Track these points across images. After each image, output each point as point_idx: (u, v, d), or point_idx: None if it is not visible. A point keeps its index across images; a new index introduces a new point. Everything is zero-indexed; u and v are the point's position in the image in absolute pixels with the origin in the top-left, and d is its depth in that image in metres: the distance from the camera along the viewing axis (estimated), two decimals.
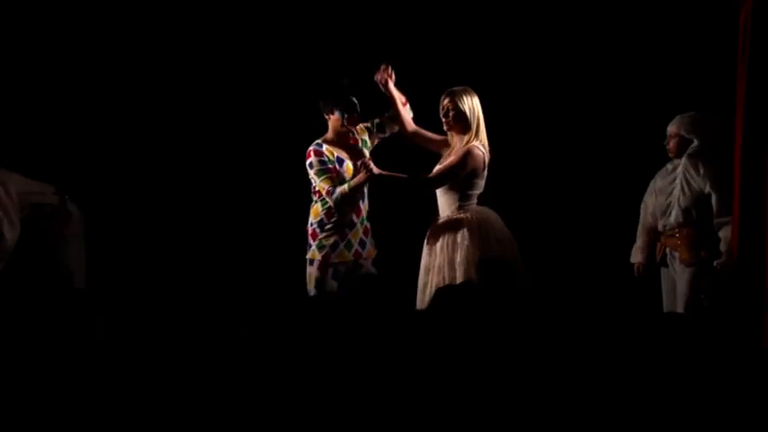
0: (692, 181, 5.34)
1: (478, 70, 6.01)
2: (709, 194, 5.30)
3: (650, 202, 5.54)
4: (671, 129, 5.45)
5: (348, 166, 5.36)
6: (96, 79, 6.35)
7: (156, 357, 3.53)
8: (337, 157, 5.36)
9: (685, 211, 5.33)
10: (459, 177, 5.20)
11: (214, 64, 6.49)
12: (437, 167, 5.31)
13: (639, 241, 5.60)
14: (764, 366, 3.39)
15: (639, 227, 5.60)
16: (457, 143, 5.28)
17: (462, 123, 5.23)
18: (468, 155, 5.19)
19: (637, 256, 5.60)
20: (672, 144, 5.43)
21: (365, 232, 5.45)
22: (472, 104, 5.23)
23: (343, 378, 3.33)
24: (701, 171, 5.32)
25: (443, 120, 5.27)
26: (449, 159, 5.26)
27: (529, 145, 6.42)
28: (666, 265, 5.49)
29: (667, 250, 5.46)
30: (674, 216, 5.37)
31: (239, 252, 6.47)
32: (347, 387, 3.28)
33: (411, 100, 5.50)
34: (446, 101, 5.26)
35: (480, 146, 5.23)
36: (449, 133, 5.34)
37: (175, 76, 6.44)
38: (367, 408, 3.22)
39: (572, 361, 3.41)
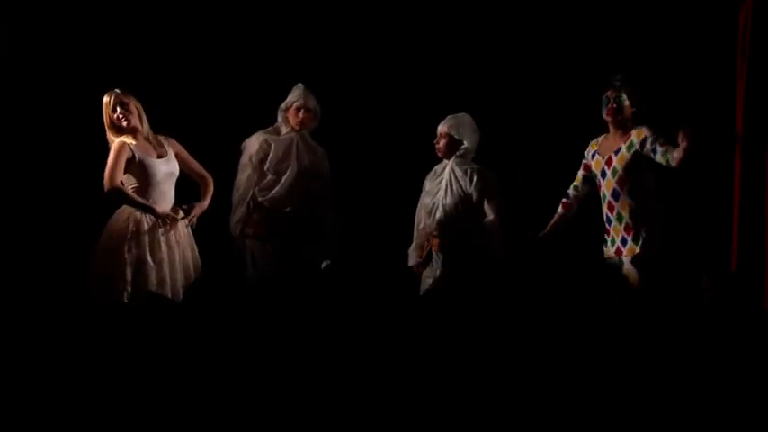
0: (455, 183, 5.42)
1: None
2: (472, 195, 5.38)
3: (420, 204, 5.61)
4: (441, 129, 5.49)
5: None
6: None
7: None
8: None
9: (448, 213, 5.41)
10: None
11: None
12: None
13: (415, 242, 5.63)
14: (764, 366, 3.40)
15: (414, 228, 5.63)
16: None
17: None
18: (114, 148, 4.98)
19: (412, 259, 5.60)
20: (441, 144, 5.48)
21: (626, 229, 5.21)
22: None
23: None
24: (468, 172, 5.40)
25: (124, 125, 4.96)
26: None
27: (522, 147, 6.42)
28: (431, 264, 5.51)
29: (433, 250, 5.49)
30: (438, 217, 5.44)
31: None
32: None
33: None
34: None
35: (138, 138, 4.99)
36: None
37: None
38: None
39: (570, 360, 3.43)
